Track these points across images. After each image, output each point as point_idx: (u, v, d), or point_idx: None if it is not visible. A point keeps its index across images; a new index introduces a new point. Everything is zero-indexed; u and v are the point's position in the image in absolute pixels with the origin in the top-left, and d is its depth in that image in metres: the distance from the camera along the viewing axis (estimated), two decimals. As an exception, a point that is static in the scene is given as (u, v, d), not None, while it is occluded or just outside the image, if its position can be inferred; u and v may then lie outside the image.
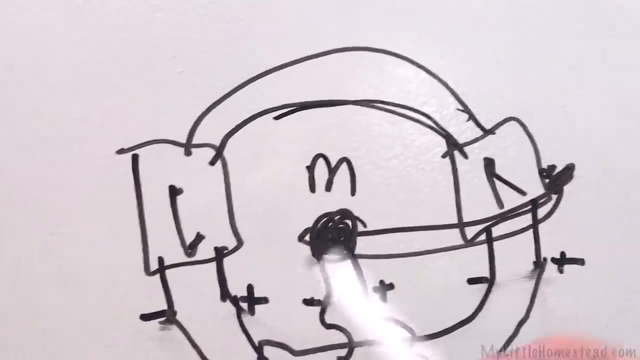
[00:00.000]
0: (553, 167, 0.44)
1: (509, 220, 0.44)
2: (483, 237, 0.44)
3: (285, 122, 0.43)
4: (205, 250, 0.42)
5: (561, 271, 0.44)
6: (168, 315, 0.42)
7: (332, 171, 0.43)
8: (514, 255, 0.44)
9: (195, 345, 0.42)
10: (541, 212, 0.44)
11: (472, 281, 0.43)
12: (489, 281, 0.43)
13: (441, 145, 0.44)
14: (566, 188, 0.44)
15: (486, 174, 0.44)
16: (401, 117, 0.44)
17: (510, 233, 0.44)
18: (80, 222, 0.42)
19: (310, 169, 0.43)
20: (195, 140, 0.43)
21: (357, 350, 0.42)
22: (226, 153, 0.43)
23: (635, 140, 0.45)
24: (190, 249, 0.42)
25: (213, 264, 0.42)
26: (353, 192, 0.43)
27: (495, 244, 0.44)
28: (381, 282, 0.43)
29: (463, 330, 0.42)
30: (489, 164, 0.44)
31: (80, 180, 0.43)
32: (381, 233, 0.43)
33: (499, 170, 0.44)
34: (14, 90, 0.45)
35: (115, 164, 0.42)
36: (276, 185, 0.43)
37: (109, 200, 0.42)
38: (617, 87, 0.46)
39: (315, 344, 0.42)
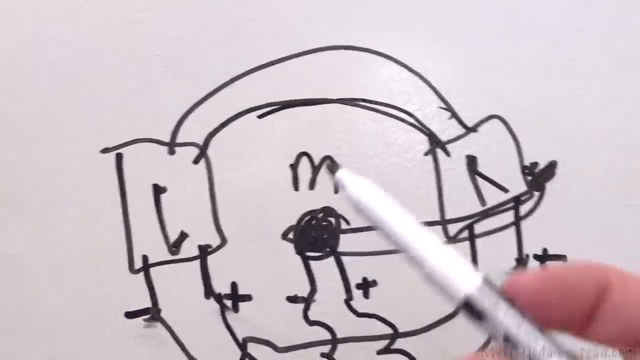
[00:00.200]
0: (535, 164, 0.45)
1: (491, 218, 0.44)
2: (465, 234, 0.44)
3: (269, 121, 0.44)
4: (189, 249, 0.42)
5: (543, 268, 0.44)
6: (152, 313, 0.42)
7: (316, 169, 0.44)
8: (496, 252, 0.44)
9: (179, 342, 0.42)
10: (523, 209, 0.44)
11: (454, 278, 0.44)
12: (472, 278, 0.44)
13: (424, 143, 0.44)
14: (548, 185, 0.45)
15: (468, 172, 0.44)
16: (384, 116, 0.44)
17: (492, 230, 0.44)
18: (64, 220, 0.43)
19: (294, 167, 0.43)
20: (179, 139, 0.43)
21: (340, 347, 0.43)
22: (210, 152, 0.43)
23: (617, 138, 0.46)
24: (175, 247, 0.42)
25: (197, 262, 0.42)
26: (336, 190, 0.44)
27: (478, 241, 0.44)
28: (364, 279, 0.43)
29: (446, 326, 0.43)
30: (471, 161, 0.45)
31: (65, 179, 0.43)
32: (364, 230, 0.43)
33: (481, 167, 0.44)
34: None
35: (99, 163, 0.42)
36: (260, 184, 0.43)
37: (93, 199, 0.42)
38: (599, 85, 0.46)
39: (299, 340, 0.43)
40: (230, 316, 0.42)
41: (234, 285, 0.42)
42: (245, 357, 0.42)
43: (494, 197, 0.44)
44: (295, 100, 0.44)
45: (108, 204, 0.42)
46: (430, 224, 0.44)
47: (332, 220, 0.43)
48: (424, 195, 0.44)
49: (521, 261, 0.44)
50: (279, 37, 0.44)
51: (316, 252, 0.43)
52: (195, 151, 0.43)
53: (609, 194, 0.45)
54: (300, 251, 0.43)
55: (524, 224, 0.44)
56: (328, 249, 0.43)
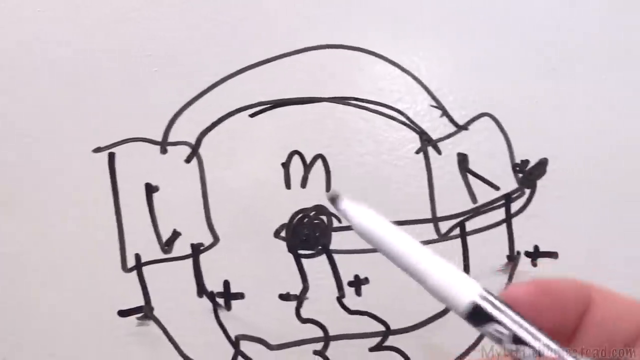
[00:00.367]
0: (526, 161, 0.45)
1: (483, 215, 0.44)
2: (457, 231, 0.44)
3: (261, 120, 0.44)
4: (181, 247, 0.43)
5: (535, 265, 0.44)
6: (145, 311, 0.42)
7: (307, 168, 0.44)
8: (488, 249, 0.44)
9: (172, 341, 0.42)
10: (514, 206, 0.45)
11: (446, 275, 0.44)
12: (463, 275, 0.44)
13: (415, 141, 0.45)
14: (539, 182, 0.45)
15: (460, 169, 0.45)
16: (375, 114, 0.44)
17: (483, 227, 0.44)
18: (57, 220, 0.43)
19: (286, 165, 0.44)
20: (171, 139, 0.43)
21: (332, 344, 0.43)
22: (202, 151, 0.43)
23: (608, 136, 0.46)
24: (167, 245, 0.43)
25: (189, 261, 0.43)
26: (328, 188, 0.44)
27: (469, 238, 0.44)
28: (356, 276, 0.43)
29: (437, 324, 0.43)
30: (463, 159, 0.45)
31: (58, 178, 0.43)
32: (356, 228, 0.43)
33: (472, 165, 0.45)
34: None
35: (92, 162, 0.43)
36: (252, 182, 0.43)
37: (86, 199, 0.43)
38: (590, 83, 0.46)
39: (292, 338, 0.43)
40: (223, 314, 0.43)
41: (226, 284, 0.42)
42: (237, 355, 0.42)
43: (485, 194, 0.45)
44: (286, 99, 0.44)
45: (100, 203, 0.42)
46: (421, 221, 0.44)
47: (324, 218, 0.43)
48: (415, 193, 0.44)
49: (512, 258, 0.44)
50: (270, 37, 0.44)
51: (308, 250, 0.43)
52: (187, 150, 0.43)
53: (599, 191, 0.45)
54: (292, 249, 0.43)
55: (515, 221, 0.45)
56: (320, 247, 0.43)
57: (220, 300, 0.43)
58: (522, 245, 0.44)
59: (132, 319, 0.42)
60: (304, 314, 0.43)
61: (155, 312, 0.42)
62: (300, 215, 0.43)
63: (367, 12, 0.45)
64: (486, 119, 0.45)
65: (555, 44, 0.46)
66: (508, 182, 0.45)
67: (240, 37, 0.44)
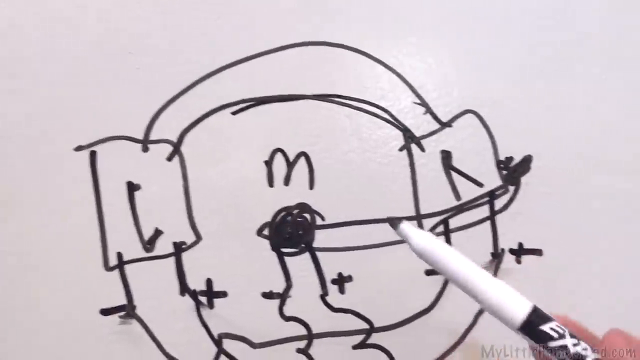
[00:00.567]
0: (510, 158, 0.45)
1: (467, 212, 0.44)
2: (440, 228, 0.44)
3: (243, 117, 0.44)
4: (163, 246, 0.42)
5: (519, 262, 0.44)
6: (128, 310, 0.42)
7: (291, 165, 0.44)
8: (472, 246, 0.44)
9: (155, 339, 0.42)
10: (498, 203, 0.45)
11: (429, 272, 0.44)
12: (447, 272, 0.44)
13: (398, 138, 0.44)
14: (523, 179, 0.45)
15: (443, 167, 0.45)
16: (359, 111, 0.44)
17: (467, 224, 0.44)
18: (38, 218, 0.43)
19: (269, 163, 0.43)
20: (152, 136, 0.43)
21: (316, 342, 0.43)
22: (184, 148, 0.43)
23: (592, 132, 0.46)
24: (149, 244, 0.42)
25: (172, 259, 0.42)
26: (311, 186, 0.44)
27: (453, 236, 0.44)
28: (340, 274, 0.43)
29: (421, 321, 0.43)
30: (446, 156, 0.45)
31: (39, 177, 0.43)
32: (339, 226, 0.43)
33: (456, 162, 0.45)
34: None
35: (73, 160, 0.42)
36: (234, 180, 0.43)
37: (68, 197, 0.43)
38: (574, 79, 0.46)
39: (275, 336, 0.43)
40: (206, 312, 0.42)
41: (209, 282, 0.42)
42: (220, 353, 0.42)
43: (469, 191, 0.44)
44: (269, 96, 0.44)
45: (82, 201, 0.42)
46: (405, 219, 0.44)
47: (307, 216, 0.43)
48: (399, 191, 0.44)
49: (496, 255, 0.44)
50: (253, 34, 0.44)
51: (291, 248, 0.43)
52: (169, 148, 0.43)
53: (584, 188, 0.45)
54: (275, 247, 0.43)
55: (499, 218, 0.44)
56: (303, 245, 0.43)
57: (203, 299, 0.42)
58: (506, 242, 0.44)
59: (115, 317, 0.42)
60: (287, 312, 0.43)
61: (138, 311, 0.42)
62: (283, 214, 0.43)
63: (349, 9, 0.45)
64: (470, 116, 0.45)
65: (542, 41, 0.46)
66: (492, 180, 0.45)
67: (222, 34, 0.44)
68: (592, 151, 0.46)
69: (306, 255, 0.43)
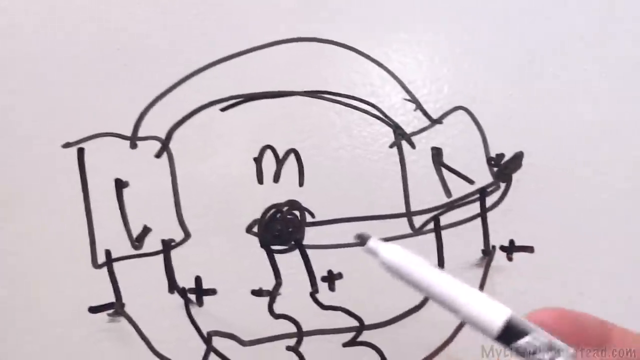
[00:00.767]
0: (501, 155, 0.45)
1: (457, 209, 0.44)
2: (431, 225, 0.44)
3: (232, 114, 0.43)
4: (152, 243, 0.42)
5: (510, 259, 0.44)
6: (116, 308, 0.42)
7: (280, 162, 0.43)
8: (463, 243, 0.44)
9: (144, 337, 0.42)
10: (489, 200, 0.44)
11: (420, 270, 0.43)
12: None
13: (388, 135, 0.44)
14: (515, 176, 0.44)
15: (434, 163, 0.44)
16: (348, 108, 0.44)
17: (458, 221, 0.44)
18: (27, 216, 0.42)
19: (258, 160, 0.43)
20: (141, 133, 0.43)
21: (306, 340, 0.43)
22: (172, 145, 0.43)
23: (583, 128, 0.46)
24: (138, 241, 0.42)
25: (160, 256, 0.42)
26: (301, 183, 0.44)
27: (444, 233, 0.44)
28: (330, 272, 0.43)
29: (412, 319, 0.43)
30: (437, 153, 0.44)
31: (26, 174, 0.43)
32: (329, 223, 0.43)
33: (446, 159, 0.44)
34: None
35: (61, 157, 0.42)
36: (223, 177, 0.43)
37: (56, 194, 0.42)
38: (565, 76, 0.46)
39: (265, 334, 0.42)
40: (195, 310, 0.42)
41: (198, 280, 0.42)
42: (210, 351, 0.42)
43: (459, 188, 0.44)
44: (258, 93, 0.44)
45: (70, 199, 0.42)
46: (395, 216, 0.44)
47: (297, 213, 0.43)
48: (389, 188, 0.44)
49: (487, 252, 0.44)
50: (241, 30, 0.44)
51: (281, 245, 0.43)
52: (157, 145, 0.43)
53: (575, 185, 0.45)
54: (265, 245, 0.43)
55: (490, 215, 0.44)
56: (293, 242, 0.43)
57: (192, 296, 0.42)
58: (498, 239, 0.44)
59: (103, 315, 0.42)
60: (277, 309, 0.42)
61: (127, 309, 0.42)
62: (273, 211, 0.43)
63: (339, 4, 0.45)
64: (461, 112, 0.45)
65: (532, 37, 0.46)
66: (483, 176, 0.44)
67: (211, 30, 0.44)
68: (583, 148, 0.46)
69: (296, 253, 0.43)
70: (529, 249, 0.44)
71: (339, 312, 0.43)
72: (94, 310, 0.42)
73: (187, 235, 0.42)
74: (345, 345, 0.43)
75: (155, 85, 0.43)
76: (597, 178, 0.45)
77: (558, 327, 0.22)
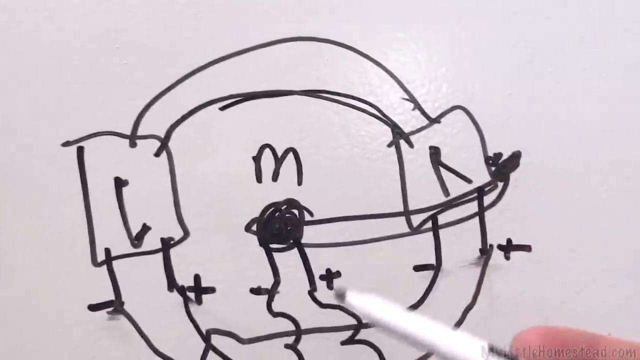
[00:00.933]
0: (499, 154, 0.45)
1: (455, 208, 0.44)
2: (429, 224, 0.44)
3: (231, 113, 0.44)
4: (151, 241, 0.42)
5: (507, 258, 0.44)
6: (116, 306, 0.42)
7: (279, 161, 0.44)
8: (460, 242, 0.44)
9: (143, 335, 0.42)
10: (487, 199, 0.45)
11: (418, 268, 0.44)
12: (436, 268, 0.44)
13: (387, 134, 0.44)
14: (512, 175, 0.45)
15: (432, 163, 0.44)
16: (347, 107, 0.44)
17: (456, 220, 0.44)
18: (26, 214, 0.43)
19: (257, 159, 0.43)
20: (140, 132, 0.43)
21: (304, 338, 0.43)
22: (171, 144, 0.43)
23: (582, 128, 0.46)
24: (137, 240, 0.42)
25: (160, 255, 0.42)
26: (300, 182, 0.44)
27: (442, 232, 0.44)
28: (328, 270, 0.43)
29: (409, 317, 0.43)
30: (435, 152, 0.45)
31: (26, 173, 0.43)
32: (328, 222, 0.43)
33: (444, 158, 0.44)
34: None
35: (60, 156, 0.42)
36: (222, 176, 0.43)
37: (55, 193, 0.42)
38: (563, 75, 0.46)
39: (263, 332, 0.43)
40: (194, 308, 0.42)
41: (197, 278, 0.42)
42: (209, 349, 0.42)
43: (457, 187, 0.44)
44: (257, 92, 0.44)
45: (70, 197, 0.42)
46: (393, 215, 0.44)
47: (296, 212, 0.43)
48: (388, 187, 0.44)
49: (485, 251, 0.44)
50: (240, 29, 0.44)
51: (280, 244, 0.43)
52: (156, 144, 0.43)
53: (573, 184, 0.45)
54: (263, 243, 0.43)
55: (488, 214, 0.44)
56: (292, 241, 0.43)
57: (191, 295, 0.42)
58: (495, 238, 0.44)
59: (103, 313, 0.42)
60: (276, 307, 0.43)
61: (126, 307, 0.42)
62: (271, 209, 0.43)
63: (338, 4, 0.45)
64: (459, 111, 0.45)
65: (532, 37, 0.46)
66: (481, 175, 0.44)
67: (210, 29, 0.44)
68: (583, 148, 0.46)
69: (294, 251, 0.43)
70: (526, 248, 0.44)
71: (338, 311, 0.43)
72: (93, 308, 0.42)
73: (186, 233, 0.43)
74: (343, 343, 0.43)
75: (154, 85, 0.43)
76: (596, 178, 0.45)
77: (545, 345, 0.23)
